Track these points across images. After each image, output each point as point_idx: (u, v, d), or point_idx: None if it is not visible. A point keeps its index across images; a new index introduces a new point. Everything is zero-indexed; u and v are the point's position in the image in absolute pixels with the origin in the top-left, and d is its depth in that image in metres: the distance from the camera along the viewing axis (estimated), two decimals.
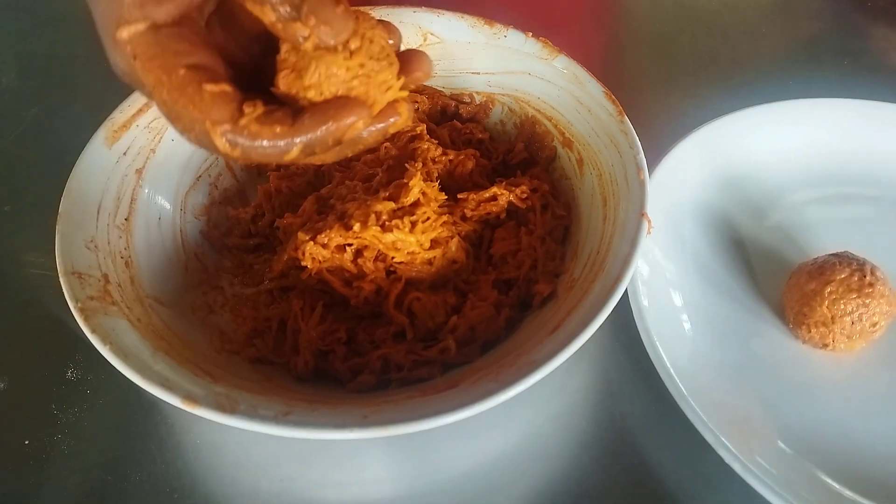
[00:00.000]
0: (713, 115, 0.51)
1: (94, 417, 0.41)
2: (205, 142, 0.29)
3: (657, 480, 0.39)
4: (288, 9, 0.27)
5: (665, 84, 0.62)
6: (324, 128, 0.29)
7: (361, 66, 0.29)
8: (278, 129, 0.28)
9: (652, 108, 0.59)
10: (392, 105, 0.31)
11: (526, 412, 0.41)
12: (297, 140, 0.29)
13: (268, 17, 0.28)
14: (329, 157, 0.31)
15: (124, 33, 0.28)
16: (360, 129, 0.30)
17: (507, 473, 0.39)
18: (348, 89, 0.29)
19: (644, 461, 0.39)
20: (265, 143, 0.28)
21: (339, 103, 0.29)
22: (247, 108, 0.28)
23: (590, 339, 0.43)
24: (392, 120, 0.31)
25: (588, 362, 0.44)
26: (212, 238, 0.46)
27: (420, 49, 0.34)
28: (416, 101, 0.50)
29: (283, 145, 0.29)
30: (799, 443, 0.38)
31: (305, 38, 0.28)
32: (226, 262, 0.46)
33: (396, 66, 0.31)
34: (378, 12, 0.51)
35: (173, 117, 0.29)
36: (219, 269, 0.45)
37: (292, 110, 0.29)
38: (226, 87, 0.28)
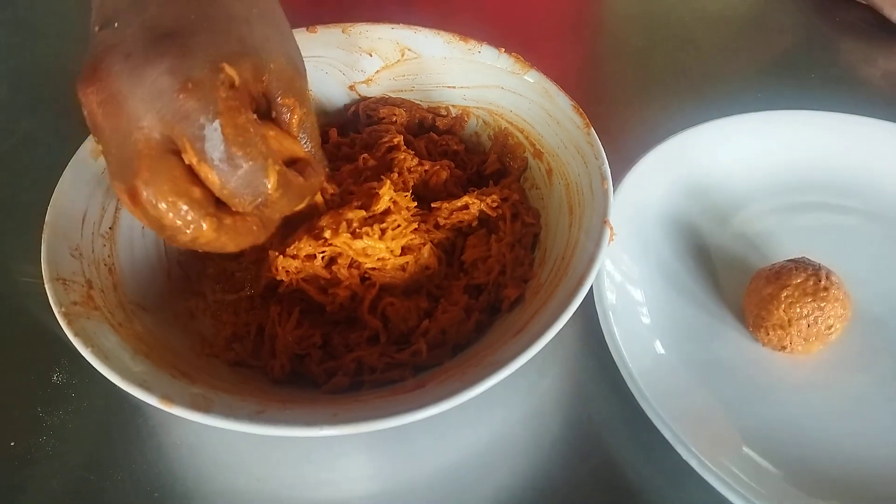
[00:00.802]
0: (683, 126, 0.53)
1: (78, 420, 0.42)
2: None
3: (622, 477, 0.40)
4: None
5: (638, 96, 0.64)
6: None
7: None
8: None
9: (625, 119, 0.60)
10: None
11: (497, 412, 0.43)
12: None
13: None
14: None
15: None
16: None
17: (478, 471, 0.40)
18: None
19: (610, 459, 0.41)
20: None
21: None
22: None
23: (560, 342, 0.45)
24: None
25: (558, 365, 0.45)
26: None
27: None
28: (395, 115, 0.52)
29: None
30: (758, 442, 0.40)
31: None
32: (208, 269, 0.47)
33: None
34: (357, 28, 0.53)
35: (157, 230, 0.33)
36: (201, 277, 0.46)
37: None
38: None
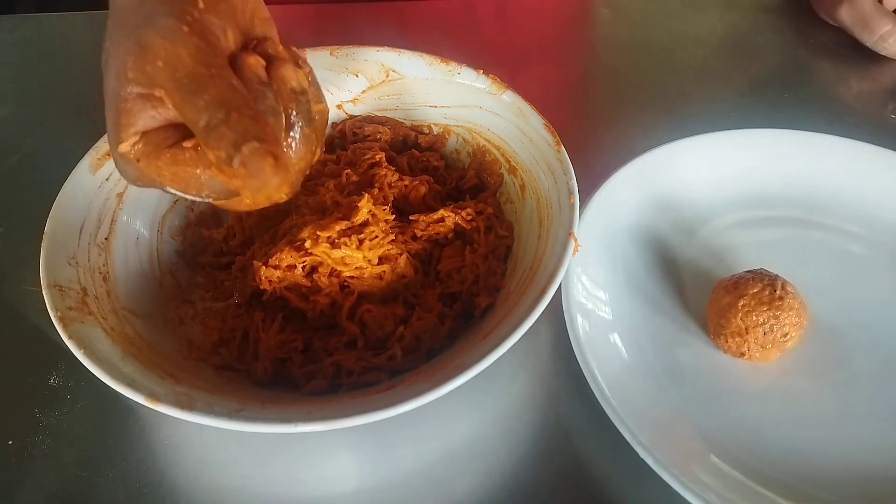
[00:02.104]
0: (657, 143, 0.55)
1: (73, 420, 0.45)
2: (216, 187, 0.34)
3: (587, 477, 0.42)
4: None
5: (615, 116, 0.66)
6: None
7: None
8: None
9: (600, 137, 0.63)
10: None
11: (471, 415, 0.45)
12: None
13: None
14: (302, 157, 0.35)
15: (124, 147, 0.34)
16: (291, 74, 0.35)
17: (452, 469, 0.42)
18: None
19: (575, 460, 0.43)
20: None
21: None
22: None
23: (532, 349, 0.48)
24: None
25: (529, 370, 0.47)
26: (186, 257, 0.50)
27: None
28: (380, 132, 0.55)
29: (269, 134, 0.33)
30: (718, 444, 0.42)
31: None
32: (199, 278, 0.50)
33: None
34: (344, 51, 0.56)
35: (184, 188, 0.34)
36: (191, 285, 0.49)
37: None
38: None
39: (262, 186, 0.32)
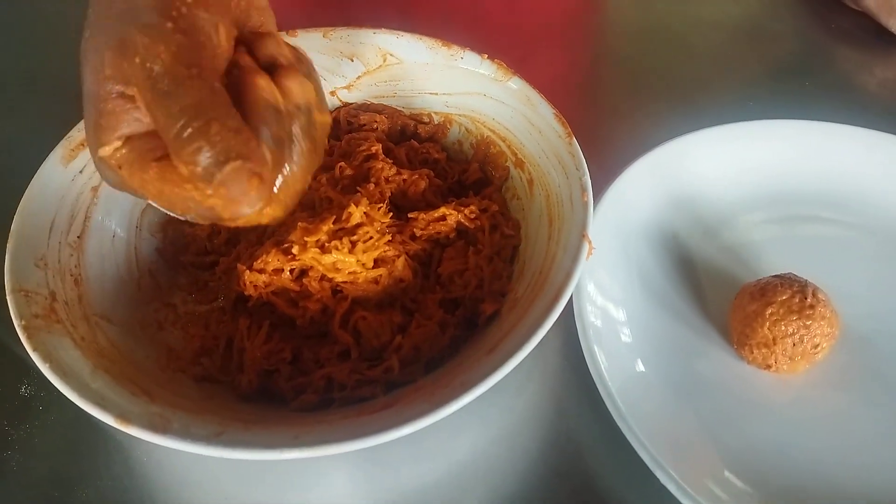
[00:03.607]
0: (672, 135, 0.52)
1: (45, 434, 0.41)
2: (206, 213, 0.30)
3: (599, 498, 0.39)
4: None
5: (627, 105, 0.62)
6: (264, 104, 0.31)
7: None
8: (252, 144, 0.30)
9: (612, 128, 0.59)
10: None
11: (474, 430, 0.42)
12: (261, 131, 0.30)
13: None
14: (298, 178, 0.32)
15: (105, 151, 0.31)
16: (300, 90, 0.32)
17: (455, 490, 0.39)
18: None
19: (588, 480, 0.40)
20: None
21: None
22: None
23: (540, 358, 0.45)
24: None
25: (537, 382, 0.44)
26: (167, 255, 0.46)
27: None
28: (376, 121, 0.51)
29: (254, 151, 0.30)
30: (739, 465, 0.39)
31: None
32: (181, 279, 0.46)
33: None
34: (338, 33, 0.52)
35: (169, 206, 0.31)
36: (173, 287, 0.45)
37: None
38: None
39: (241, 209, 0.30)
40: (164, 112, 0.28)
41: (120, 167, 0.31)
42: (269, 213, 0.32)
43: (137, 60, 0.29)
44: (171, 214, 0.32)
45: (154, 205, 0.32)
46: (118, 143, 0.30)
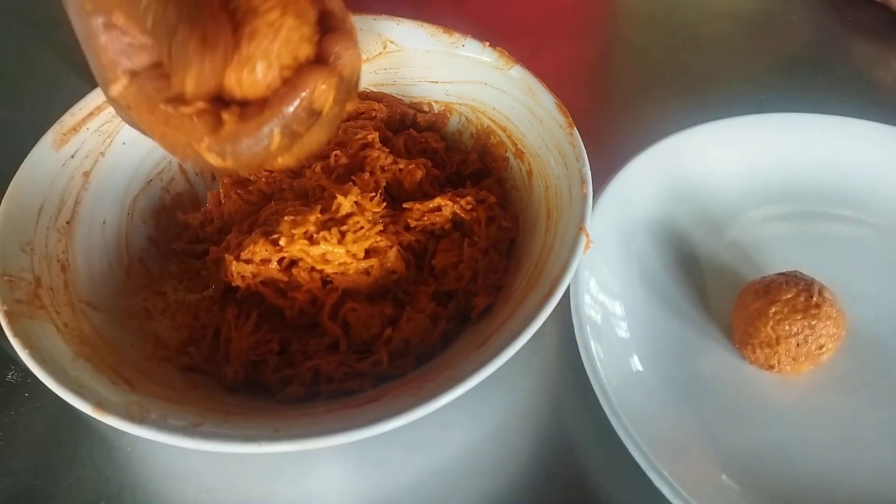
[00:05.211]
0: (681, 127, 0.50)
1: (28, 421, 0.41)
2: (201, 162, 0.31)
3: (592, 500, 0.38)
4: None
5: (634, 96, 0.61)
6: (292, 100, 0.30)
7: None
8: (252, 123, 0.30)
9: (618, 120, 0.58)
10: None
11: (466, 426, 0.41)
12: (275, 123, 0.30)
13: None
14: (314, 140, 0.33)
15: (113, 91, 0.30)
16: (328, 91, 0.31)
17: (446, 487, 0.39)
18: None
19: (580, 480, 0.39)
20: (248, 141, 0.31)
21: (300, 72, 0.31)
22: (225, 116, 0.30)
23: (535, 353, 0.43)
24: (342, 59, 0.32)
25: (532, 378, 0.43)
26: (159, 243, 0.46)
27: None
28: (375, 109, 0.50)
29: (265, 135, 0.30)
30: (738, 469, 0.37)
31: None
32: (172, 267, 0.45)
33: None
34: None
35: (172, 150, 0.32)
36: (164, 275, 0.45)
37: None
38: (199, 104, 0.30)
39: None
40: (142, 28, 0.28)
41: (129, 108, 0.31)
42: (281, 163, 0.32)
43: None
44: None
45: (159, 146, 0.32)
46: (125, 81, 0.30)
